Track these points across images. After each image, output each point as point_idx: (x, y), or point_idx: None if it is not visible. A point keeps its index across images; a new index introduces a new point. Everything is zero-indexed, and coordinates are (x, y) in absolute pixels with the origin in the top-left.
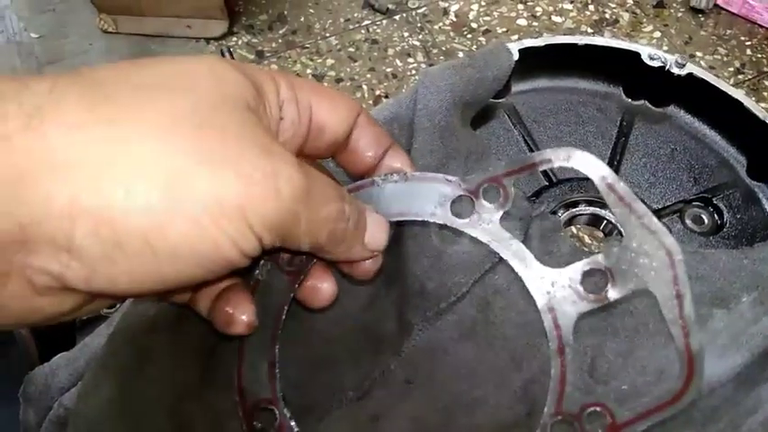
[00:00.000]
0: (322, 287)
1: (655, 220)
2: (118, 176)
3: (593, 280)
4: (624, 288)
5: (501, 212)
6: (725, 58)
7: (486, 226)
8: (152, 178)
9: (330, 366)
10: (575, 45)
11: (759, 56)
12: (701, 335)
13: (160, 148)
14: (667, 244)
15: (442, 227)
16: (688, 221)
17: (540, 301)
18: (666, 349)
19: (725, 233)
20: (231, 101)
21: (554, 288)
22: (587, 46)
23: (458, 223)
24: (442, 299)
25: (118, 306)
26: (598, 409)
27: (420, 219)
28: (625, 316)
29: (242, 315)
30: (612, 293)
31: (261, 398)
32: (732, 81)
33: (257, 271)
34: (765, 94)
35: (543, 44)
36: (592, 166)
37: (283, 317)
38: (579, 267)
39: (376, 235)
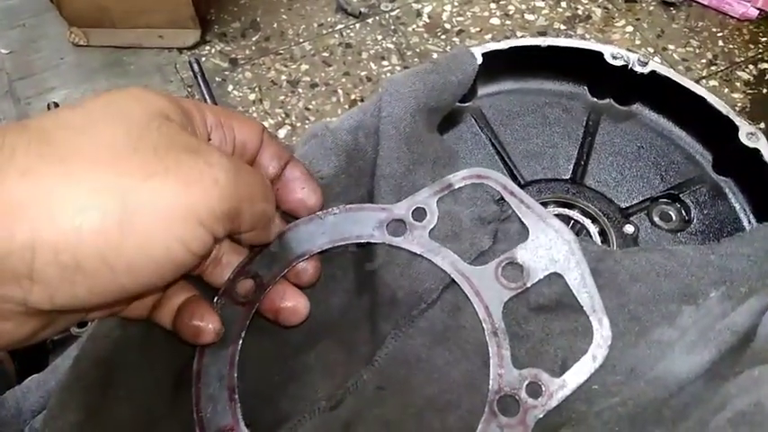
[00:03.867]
0: (298, 305)
1: (552, 217)
2: (71, 207)
3: (512, 271)
4: (537, 274)
5: (429, 228)
6: (697, 50)
7: (419, 240)
8: (101, 203)
9: (303, 377)
10: (538, 47)
11: (731, 46)
12: (670, 331)
13: (104, 176)
14: (565, 236)
15: (382, 245)
16: (656, 218)
17: (471, 294)
18: (636, 348)
19: (692, 229)
20: (157, 118)
21: (480, 282)
22: (550, 47)
23: (395, 241)
24: (414, 306)
25: (88, 325)
26: (534, 379)
27: (362, 241)
28: None
29: (209, 324)
30: (529, 280)
31: (221, 425)
32: (705, 72)
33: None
34: (738, 84)
35: (507, 47)
36: (495, 178)
37: (239, 347)
38: (498, 262)
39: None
